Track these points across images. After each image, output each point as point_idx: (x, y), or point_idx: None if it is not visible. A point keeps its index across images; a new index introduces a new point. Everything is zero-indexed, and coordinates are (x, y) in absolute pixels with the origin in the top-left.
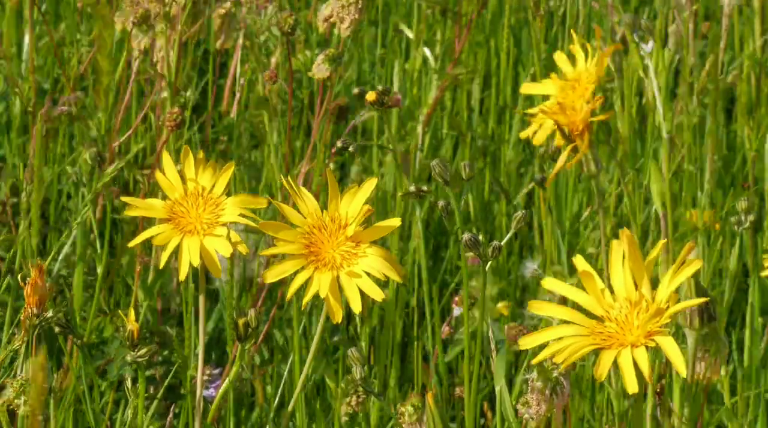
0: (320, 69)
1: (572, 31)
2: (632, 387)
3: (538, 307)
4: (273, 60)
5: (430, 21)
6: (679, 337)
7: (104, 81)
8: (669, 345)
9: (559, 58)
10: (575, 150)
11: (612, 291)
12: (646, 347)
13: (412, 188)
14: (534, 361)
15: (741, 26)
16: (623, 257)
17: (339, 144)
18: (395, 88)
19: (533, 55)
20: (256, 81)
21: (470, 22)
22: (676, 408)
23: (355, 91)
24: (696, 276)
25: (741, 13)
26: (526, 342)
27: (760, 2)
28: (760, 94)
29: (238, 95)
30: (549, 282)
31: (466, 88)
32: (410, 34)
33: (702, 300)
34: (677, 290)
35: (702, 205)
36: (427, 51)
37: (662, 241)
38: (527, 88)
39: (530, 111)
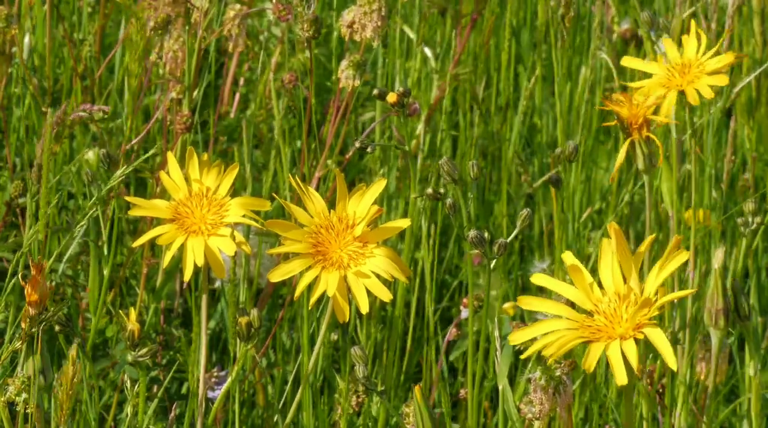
0: (347, 76)
1: (692, 21)
2: (621, 379)
3: (527, 303)
4: (273, 60)
5: (431, 21)
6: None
7: (133, 83)
8: (658, 337)
9: (667, 43)
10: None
11: (601, 286)
12: (636, 339)
13: (429, 190)
14: (523, 356)
15: (740, 26)
16: (612, 252)
17: (357, 144)
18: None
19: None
20: (257, 81)
21: (472, 22)
22: (678, 408)
23: (375, 91)
24: (722, 274)
25: (741, 13)
26: (517, 338)
27: (759, 2)
28: (759, 94)
29: (237, 95)
30: (538, 278)
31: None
32: (412, 35)
33: (687, 292)
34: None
35: (717, 206)
36: (427, 50)
37: (652, 236)
38: (629, 61)
39: (632, 84)
